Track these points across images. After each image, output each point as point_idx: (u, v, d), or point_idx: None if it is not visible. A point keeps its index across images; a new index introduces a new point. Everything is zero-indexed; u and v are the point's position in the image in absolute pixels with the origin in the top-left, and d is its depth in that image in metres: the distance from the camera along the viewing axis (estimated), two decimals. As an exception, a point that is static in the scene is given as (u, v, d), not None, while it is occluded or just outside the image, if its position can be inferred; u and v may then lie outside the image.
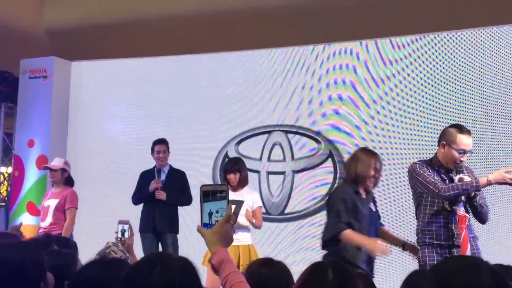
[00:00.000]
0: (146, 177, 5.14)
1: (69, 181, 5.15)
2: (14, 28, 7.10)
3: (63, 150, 6.84)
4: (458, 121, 5.04)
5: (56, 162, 5.16)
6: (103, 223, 6.24)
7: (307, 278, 1.51)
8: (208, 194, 1.62)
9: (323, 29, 6.10)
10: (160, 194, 4.97)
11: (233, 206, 4.41)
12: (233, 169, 4.55)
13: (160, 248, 5.02)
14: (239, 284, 1.51)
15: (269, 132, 6.15)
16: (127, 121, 6.85)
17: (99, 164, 6.79)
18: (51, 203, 5.03)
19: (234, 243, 4.19)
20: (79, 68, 7.11)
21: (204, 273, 4.38)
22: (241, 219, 4.38)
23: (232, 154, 6.14)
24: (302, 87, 6.03)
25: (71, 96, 7.09)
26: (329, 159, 5.87)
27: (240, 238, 4.35)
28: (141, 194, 5.11)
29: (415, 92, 5.61)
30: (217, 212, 1.61)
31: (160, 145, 5.08)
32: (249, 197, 4.56)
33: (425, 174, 3.23)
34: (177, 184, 5.11)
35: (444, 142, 3.25)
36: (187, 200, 5.13)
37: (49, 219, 4.99)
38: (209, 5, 6.63)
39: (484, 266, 1.31)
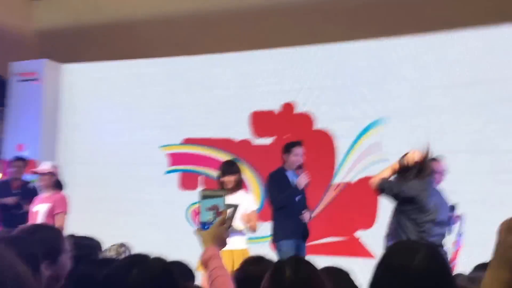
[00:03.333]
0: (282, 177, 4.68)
1: (58, 185, 5.03)
2: (3, 30, 6.98)
3: (54, 154, 6.73)
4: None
5: (43, 166, 5.05)
6: (94, 228, 6.10)
7: (269, 276, 1.59)
8: (207, 197, 1.75)
9: (316, 30, 6.03)
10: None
11: (229, 210, 4.31)
12: (229, 171, 4.45)
13: None
14: (221, 278, 1.57)
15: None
16: (118, 124, 6.75)
17: (90, 168, 6.68)
18: (41, 208, 4.91)
19: (228, 248, 4.13)
20: (69, 70, 7.02)
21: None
22: (236, 223, 4.28)
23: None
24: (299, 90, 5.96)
25: (62, 99, 6.98)
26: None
27: (235, 243, 4.26)
28: (290, 193, 4.60)
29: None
30: (215, 212, 1.71)
31: (301, 148, 4.68)
32: (244, 200, 4.47)
33: None
34: None
35: None
36: None
37: (38, 225, 4.87)
38: (199, 6, 6.56)
39: (421, 250, 1.39)
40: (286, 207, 4.61)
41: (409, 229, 3.54)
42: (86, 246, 2.49)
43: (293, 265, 1.59)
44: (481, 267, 2.11)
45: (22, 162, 5.83)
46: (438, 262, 1.38)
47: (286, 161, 4.69)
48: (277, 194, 4.65)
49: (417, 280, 1.32)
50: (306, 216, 4.65)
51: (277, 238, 4.64)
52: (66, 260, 1.90)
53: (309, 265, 1.64)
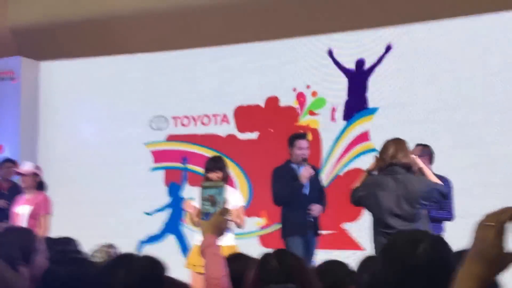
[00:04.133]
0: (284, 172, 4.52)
1: (41, 186, 4.94)
2: (-23, 28, 6.79)
3: (34, 155, 6.61)
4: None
5: (26, 167, 4.94)
6: (77, 228, 6.00)
7: (256, 267, 1.69)
8: (207, 188, 1.86)
9: (300, 22, 6.00)
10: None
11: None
12: (215, 167, 4.41)
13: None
14: (213, 265, 1.67)
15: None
16: (100, 123, 6.65)
17: (72, 168, 6.59)
18: (24, 210, 4.83)
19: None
20: (48, 68, 6.88)
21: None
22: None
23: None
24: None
25: (41, 98, 6.86)
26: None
27: (223, 239, 4.23)
28: (292, 187, 4.42)
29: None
30: (215, 203, 1.82)
31: (304, 141, 4.53)
32: (231, 196, 4.43)
33: None
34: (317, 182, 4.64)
35: None
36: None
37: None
38: (180, 1, 6.46)
39: (425, 240, 1.37)
40: (290, 202, 4.45)
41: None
42: (64, 246, 2.48)
43: (278, 257, 1.68)
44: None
45: (12, 163, 5.75)
46: (442, 252, 1.37)
47: (291, 155, 4.54)
48: (278, 190, 4.51)
49: (419, 270, 1.31)
50: (315, 210, 4.43)
51: (284, 234, 4.51)
52: (41, 260, 1.92)
53: (294, 256, 1.73)
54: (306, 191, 4.48)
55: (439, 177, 3.92)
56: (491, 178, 5.00)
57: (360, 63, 5.63)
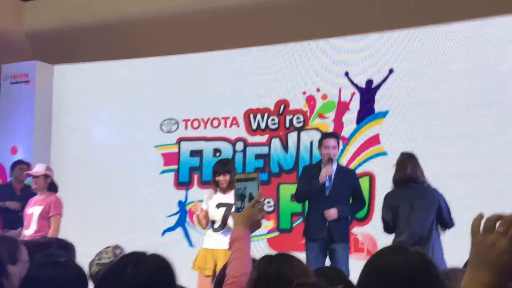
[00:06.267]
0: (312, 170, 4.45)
1: (52, 187, 5.00)
2: (-6, 32, 6.92)
3: (47, 157, 6.69)
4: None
5: (38, 168, 5.01)
6: (88, 231, 6.07)
7: (255, 269, 1.64)
8: (240, 180, 1.80)
9: (310, 26, 6.00)
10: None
11: (223, 209, 4.30)
12: (223, 170, 4.42)
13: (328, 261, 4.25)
14: (236, 260, 1.61)
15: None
16: (112, 126, 6.72)
17: (84, 170, 6.64)
18: (35, 210, 4.90)
19: (222, 247, 4.10)
20: (61, 71, 6.97)
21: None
22: (231, 222, 4.25)
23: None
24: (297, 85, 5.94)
25: (54, 101, 6.94)
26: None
27: (223, 242, 4.22)
28: (309, 186, 4.32)
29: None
30: (249, 195, 1.74)
31: (332, 139, 4.42)
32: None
33: None
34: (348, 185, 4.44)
35: None
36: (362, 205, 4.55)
37: (33, 227, 4.86)
38: (192, 5, 6.51)
39: (412, 253, 1.38)
40: (310, 202, 4.38)
41: None
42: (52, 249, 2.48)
43: (277, 260, 1.65)
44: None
45: (25, 165, 5.83)
46: (424, 267, 1.36)
47: (320, 155, 4.46)
48: (298, 186, 4.48)
49: (400, 282, 1.32)
50: (330, 214, 4.22)
51: (304, 234, 4.44)
52: (20, 270, 1.90)
53: (295, 261, 1.67)
54: (326, 192, 4.33)
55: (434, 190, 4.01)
56: (504, 181, 4.91)
57: (369, 82, 5.65)
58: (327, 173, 4.27)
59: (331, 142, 4.38)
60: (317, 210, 4.29)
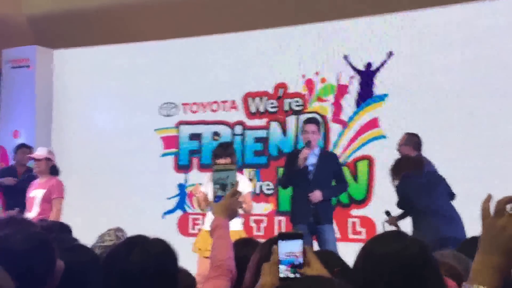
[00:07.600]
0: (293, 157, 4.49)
1: (54, 171, 5.04)
2: (-6, 17, 6.92)
3: (49, 140, 6.74)
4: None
5: (39, 152, 5.04)
6: (89, 215, 6.13)
7: (258, 251, 1.66)
8: (218, 171, 1.89)
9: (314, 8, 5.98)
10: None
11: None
12: (224, 154, 4.44)
13: (315, 245, 4.28)
14: (218, 248, 1.68)
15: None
16: (112, 109, 6.74)
17: (85, 154, 6.69)
18: (37, 193, 4.93)
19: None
20: (61, 56, 6.98)
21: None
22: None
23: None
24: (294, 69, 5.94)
25: (55, 85, 6.96)
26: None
27: (231, 224, 4.28)
28: (289, 172, 4.39)
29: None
30: (230, 185, 1.84)
31: (311, 125, 4.46)
32: (239, 183, 4.47)
33: None
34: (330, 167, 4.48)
35: None
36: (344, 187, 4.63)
37: (35, 210, 4.89)
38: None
39: (409, 240, 1.35)
40: (295, 187, 4.44)
41: None
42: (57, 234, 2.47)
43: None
44: (469, 243, 2.10)
45: (27, 148, 5.88)
46: (422, 254, 1.33)
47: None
48: (282, 173, 4.58)
49: (392, 267, 1.29)
50: (314, 196, 4.28)
51: (291, 220, 4.52)
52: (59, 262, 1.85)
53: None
54: (310, 176, 4.39)
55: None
56: (505, 163, 4.93)
57: (368, 65, 5.66)
58: (303, 155, 4.31)
59: (311, 127, 4.43)
60: (302, 195, 4.33)
